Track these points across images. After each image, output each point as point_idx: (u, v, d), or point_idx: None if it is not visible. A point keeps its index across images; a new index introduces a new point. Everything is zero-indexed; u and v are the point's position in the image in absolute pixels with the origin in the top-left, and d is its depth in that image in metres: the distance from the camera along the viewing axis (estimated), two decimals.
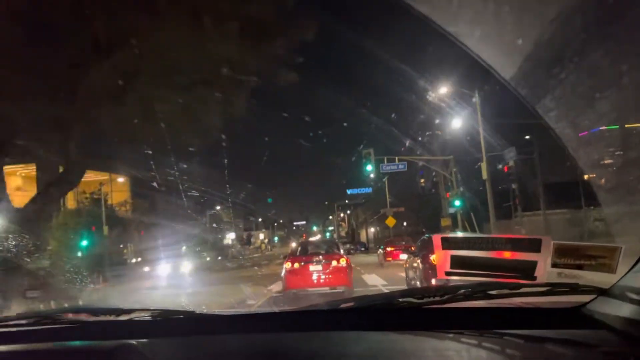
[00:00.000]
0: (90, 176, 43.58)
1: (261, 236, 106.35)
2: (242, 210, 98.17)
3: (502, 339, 1.37)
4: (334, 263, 11.23)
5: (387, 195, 40.03)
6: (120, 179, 47.66)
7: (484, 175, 16.73)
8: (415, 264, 11.27)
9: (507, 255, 2.38)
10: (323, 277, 11.09)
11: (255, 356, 1.35)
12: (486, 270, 2.38)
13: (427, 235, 12.66)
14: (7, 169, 38.01)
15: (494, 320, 1.55)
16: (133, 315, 1.73)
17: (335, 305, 1.68)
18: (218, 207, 67.18)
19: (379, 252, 28.24)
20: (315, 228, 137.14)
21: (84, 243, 24.65)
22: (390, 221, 36.71)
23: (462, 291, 1.67)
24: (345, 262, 11.42)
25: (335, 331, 1.49)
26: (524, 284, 1.84)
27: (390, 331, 1.45)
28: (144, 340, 1.45)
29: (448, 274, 2.60)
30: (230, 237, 79.53)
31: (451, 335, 1.41)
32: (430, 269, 9.52)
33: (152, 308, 1.77)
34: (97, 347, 1.38)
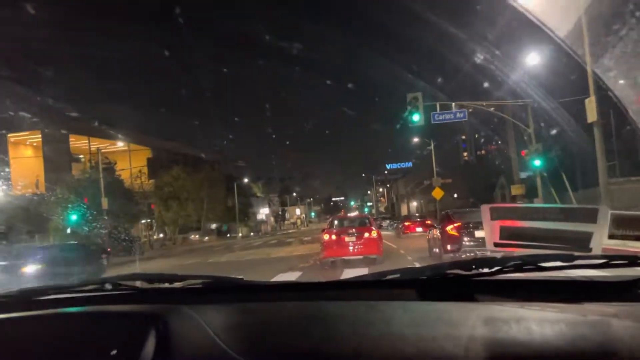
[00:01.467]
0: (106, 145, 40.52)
1: (297, 211, 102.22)
2: (277, 184, 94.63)
3: (553, 311, 1.25)
4: (366, 235, 12.61)
5: (434, 163, 34.15)
6: (138, 149, 44.37)
7: (592, 117, 10.97)
8: (435, 235, 13.17)
9: (560, 225, 2.57)
10: (357, 246, 12.47)
11: (301, 323, 1.33)
12: (538, 241, 2.54)
13: (446, 211, 14.35)
14: (14, 136, 35.64)
15: (544, 292, 1.51)
16: (186, 283, 1.78)
17: (381, 276, 1.66)
18: (246, 180, 63.21)
19: (396, 226, 32.15)
20: (353, 203, 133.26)
21: (74, 217, 20.93)
22: (438, 193, 31.48)
23: (512, 263, 1.61)
24: (376, 234, 12.85)
25: (381, 301, 1.43)
26: (579, 255, 1.74)
27: (437, 301, 1.41)
28: (197, 305, 1.42)
29: (497, 245, 2.71)
30: (263, 211, 75.81)
31: (499, 306, 1.32)
32: (446, 239, 11.71)
33: (204, 275, 1.84)
34: (152, 311, 1.36)
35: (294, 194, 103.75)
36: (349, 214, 28.96)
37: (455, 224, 11.68)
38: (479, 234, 10.78)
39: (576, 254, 1.76)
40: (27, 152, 37.84)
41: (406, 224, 29.31)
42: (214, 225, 53.73)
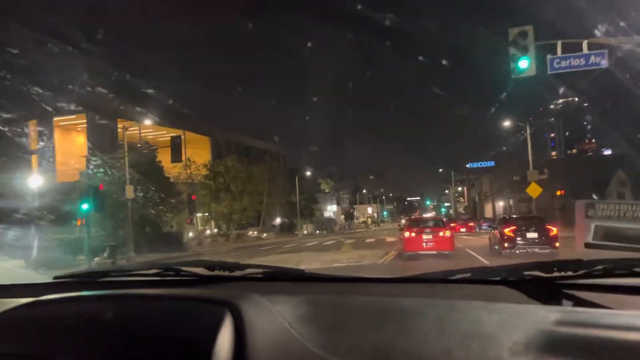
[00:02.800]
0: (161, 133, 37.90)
1: (369, 210, 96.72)
2: (348, 181, 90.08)
3: None
4: (441, 234, 15.44)
5: (529, 151, 27.44)
6: (197, 138, 41.56)
7: None
8: (495, 235, 15.97)
9: None
10: (433, 243, 15.13)
11: (376, 318, 1.28)
12: (637, 243, 2.30)
13: (504, 216, 19.73)
14: (60, 120, 33.94)
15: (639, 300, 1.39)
16: (246, 272, 1.81)
17: (450, 275, 1.65)
18: (310, 174, 58.94)
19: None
20: (429, 203, 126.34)
21: (84, 207, 17.56)
22: (534, 190, 25.20)
23: (600, 267, 1.50)
24: (449, 233, 15.69)
25: (447, 299, 1.40)
26: None
27: (516, 303, 1.34)
28: (268, 294, 1.38)
29: (588, 245, 2.49)
30: (331, 209, 71.61)
31: (586, 311, 1.26)
32: (502, 239, 14.85)
33: (264, 265, 1.89)
34: (224, 296, 1.29)
35: (364, 191, 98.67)
36: (424, 215, 30.13)
37: (511, 227, 14.99)
38: (530, 235, 14.49)
39: None
40: (76, 138, 36.10)
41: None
42: (277, 221, 50.34)
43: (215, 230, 40.43)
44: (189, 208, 27.99)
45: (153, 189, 25.48)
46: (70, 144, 34.89)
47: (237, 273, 1.79)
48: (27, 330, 1.24)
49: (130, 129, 36.41)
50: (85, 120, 33.38)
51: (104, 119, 31.91)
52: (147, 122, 31.09)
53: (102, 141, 31.79)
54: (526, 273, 1.52)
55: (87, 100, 30.49)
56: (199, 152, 39.19)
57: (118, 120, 34.88)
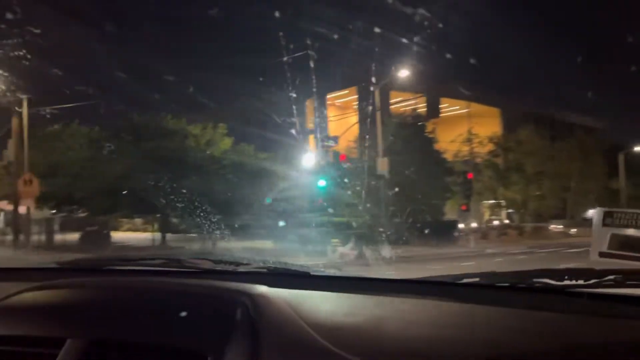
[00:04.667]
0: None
1: None
2: None
3: None
4: None
5: None
6: (482, 111, 34.74)
7: None
8: None
9: None
10: None
11: (378, 316, 1.29)
12: None
13: None
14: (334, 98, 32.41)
15: None
16: (251, 267, 1.81)
17: (458, 278, 1.58)
18: None
19: None
20: None
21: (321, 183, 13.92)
22: None
23: (611, 277, 1.44)
24: None
25: (454, 302, 1.39)
26: None
27: (522, 309, 1.33)
28: (275, 288, 1.39)
29: (603, 254, 2.49)
30: None
31: (596, 320, 1.26)
32: None
33: (269, 261, 1.88)
34: (236, 287, 1.32)
35: None
36: None
37: None
38: None
39: None
40: (349, 117, 34.33)
41: None
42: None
43: (507, 221, 33.09)
44: (463, 190, 21.85)
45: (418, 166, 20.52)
46: (342, 122, 33.39)
47: (242, 268, 1.79)
48: (35, 313, 1.27)
49: (405, 102, 32.80)
50: (356, 97, 31.17)
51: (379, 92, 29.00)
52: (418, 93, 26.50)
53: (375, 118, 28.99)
54: (535, 280, 1.49)
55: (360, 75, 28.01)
56: (485, 127, 32.57)
57: (392, 93, 31.63)
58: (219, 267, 1.82)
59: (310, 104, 34.16)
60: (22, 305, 1.32)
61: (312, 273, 1.74)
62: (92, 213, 21.53)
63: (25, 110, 17.74)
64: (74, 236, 21.64)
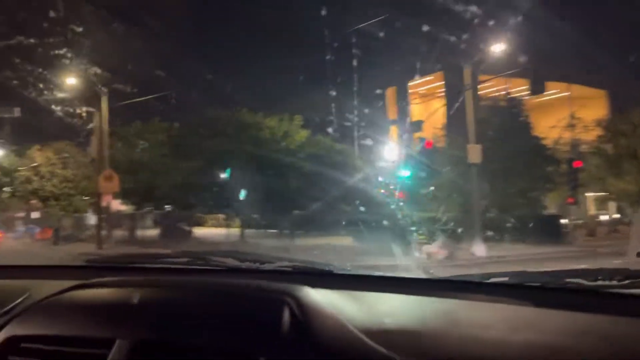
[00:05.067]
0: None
1: None
2: None
3: None
4: None
5: None
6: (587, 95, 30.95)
7: None
8: None
9: None
10: None
11: (403, 314, 1.30)
12: None
13: None
14: (416, 86, 30.44)
15: None
16: (276, 266, 1.79)
17: (485, 277, 1.57)
18: None
19: None
20: None
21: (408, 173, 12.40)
22: None
23: None
24: None
25: (485, 301, 1.38)
26: None
27: (556, 309, 1.30)
28: (317, 288, 1.39)
29: None
30: None
31: (624, 320, 1.23)
32: None
33: (293, 259, 1.87)
34: (282, 288, 1.30)
35: None
36: None
37: None
38: None
39: None
40: (432, 103, 32.21)
41: None
42: None
43: (617, 215, 29.34)
44: (569, 181, 19.08)
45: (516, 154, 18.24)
46: (426, 111, 31.38)
47: (267, 266, 1.77)
48: (80, 313, 1.26)
49: (498, 86, 30.09)
50: (442, 82, 29.04)
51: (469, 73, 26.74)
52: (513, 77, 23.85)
53: (461, 104, 26.73)
54: (568, 280, 1.48)
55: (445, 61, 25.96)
56: (589, 111, 28.98)
57: (482, 76, 29.12)
58: (244, 266, 1.81)
59: (391, 93, 32.51)
60: (65, 305, 1.29)
61: (335, 272, 1.73)
62: (172, 209, 21.56)
63: (104, 106, 17.87)
64: (155, 232, 21.83)
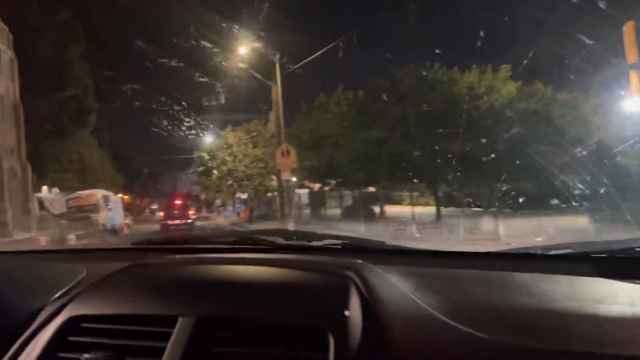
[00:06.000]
0: None
1: None
2: None
3: None
4: None
5: None
6: None
7: None
8: None
9: None
10: None
11: (467, 288, 1.25)
12: None
13: None
14: None
15: None
16: (325, 242, 1.73)
17: (546, 250, 1.54)
18: None
19: None
20: None
21: None
22: None
23: None
24: None
25: (561, 275, 1.32)
26: None
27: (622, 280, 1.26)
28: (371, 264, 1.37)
29: None
30: None
31: None
32: None
33: (341, 235, 1.84)
34: (347, 264, 1.27)
35: None
36: None
37: None
38: None
39: None
40: None
41: None
42: None
43: None
44: None
45: None
46: None
47: (315, 243, 1.72)
48: (139, 292, 1.24)
49: None
50: None
51: None
52: None
53: None
54: (638, 248, 1.41)
55: None
56: None
57: None
58: (292, 243, 1.76)
59: (629, 30, 24.92)
60: (123, 285, 1.28)
61: (387, 248, 1.73)
62: (354, 185, 19.43)
63: (278, 75, 16.44)
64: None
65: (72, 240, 18.36)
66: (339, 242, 1.69)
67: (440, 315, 1.00)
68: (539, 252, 1.51)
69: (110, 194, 23.77)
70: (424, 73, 18.63)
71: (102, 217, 20.71)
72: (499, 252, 1.59)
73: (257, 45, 17.00)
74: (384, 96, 18.22)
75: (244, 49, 17.04)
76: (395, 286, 1.14)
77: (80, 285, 1.33)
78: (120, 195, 31.10)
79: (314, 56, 16.21)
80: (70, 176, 35.40)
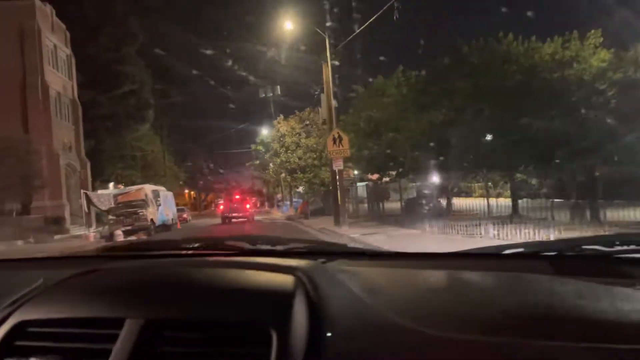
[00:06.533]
0: None
1: None
2: None
3: None
4: None
5: None
6: None
7: None
8: None
9: None
10: None
11: (421, 288, 1.32)
12: None
13: None
14: None
15: None
16: (290, 246, 1.76)
17: (502, 249, 1.58)
18: None
19: None
20: None
21: None
22: None
23: None
24: None
25: (503, 272, 1.39)
26: None
27: (574, 277, 1.30)
28: (319, 264, 1.44)
29: None
30: None
31: None
32: None
33: (308, 240, 1.88)
34: (297, 264, 1.32)
35: None
36: None
37: None
38: None
39: None
40: None
41: None
42: None
43: None
44: None
45: None
46: None
47: (280, 247, 1.74)
48: (91, 295, 1.25)
49: None
50: None
51: None
52: None
53: None
54: (585, 247, 1.49)
55: None
56: None
57: None
58: (256, 248, 1.79)
59: None
60: (74, 289, 1.29)
61: (348, 250, 1.77)
62: (415, 175, 17.37)
63: (328, 52, 14.75)
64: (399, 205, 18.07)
65: (119, 236, 17.86)
66: (304, 246, 1.76)
67: (387, 313, 1.03)
68: (493, 252, 1.59)
69: (161, 188, 23.19)
70: (498, 44, 16.24)
71: (151, 212, 20.11)
72: (455, 253, 1.63)
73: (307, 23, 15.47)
74: (451, 73, 16.06)
75: (290, 23, 15.54)
76: (343, 285, 1.18)
77: (34, 292, 1.31)
78: (185, 190, 30.76)
79: (366, 24, 14.37)
80: (134, 173, 35.70)
